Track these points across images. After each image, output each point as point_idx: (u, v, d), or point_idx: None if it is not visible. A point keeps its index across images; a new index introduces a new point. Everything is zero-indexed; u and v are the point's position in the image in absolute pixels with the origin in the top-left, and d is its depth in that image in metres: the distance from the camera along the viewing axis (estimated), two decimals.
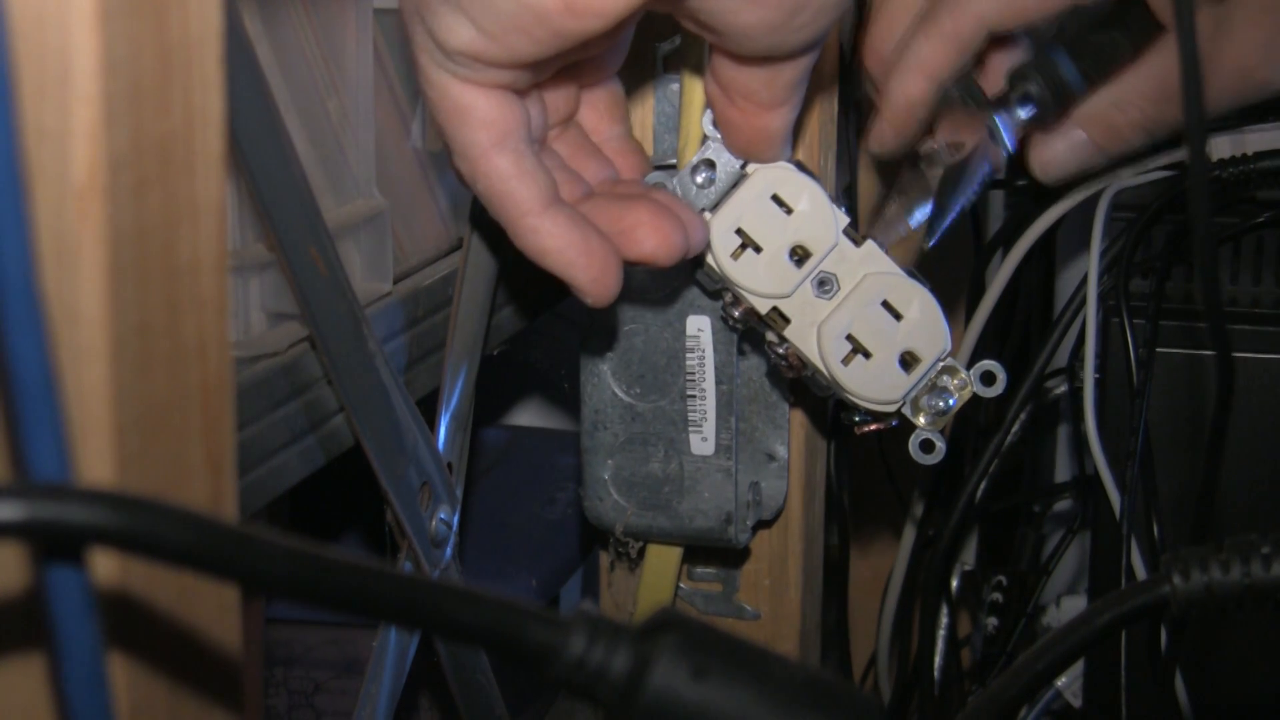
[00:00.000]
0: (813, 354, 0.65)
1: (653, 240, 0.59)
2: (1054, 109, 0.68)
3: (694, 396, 0.73)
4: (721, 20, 0.55)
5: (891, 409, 0.65)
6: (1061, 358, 0.82)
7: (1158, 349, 0.76)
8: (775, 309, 0.65)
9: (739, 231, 0.64)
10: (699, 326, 0.72)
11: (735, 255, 0.64)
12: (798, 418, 0.75)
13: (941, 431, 0.66)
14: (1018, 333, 0.89)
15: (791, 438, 0.74)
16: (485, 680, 0.73)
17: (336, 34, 0.65)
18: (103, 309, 0.37)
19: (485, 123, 0.56)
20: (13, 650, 0.38)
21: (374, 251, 0.66)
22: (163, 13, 0.38)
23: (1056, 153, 0.70)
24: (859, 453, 0.99)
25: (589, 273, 0.58)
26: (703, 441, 0.73)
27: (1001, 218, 0.97)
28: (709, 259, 0.65)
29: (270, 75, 0.58)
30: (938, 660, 0.86)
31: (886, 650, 0.92)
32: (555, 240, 0.58)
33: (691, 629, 0.38)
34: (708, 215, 0.64)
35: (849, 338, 0.64)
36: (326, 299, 0.59)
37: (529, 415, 1.24)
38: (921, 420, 0.65)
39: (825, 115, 0.73)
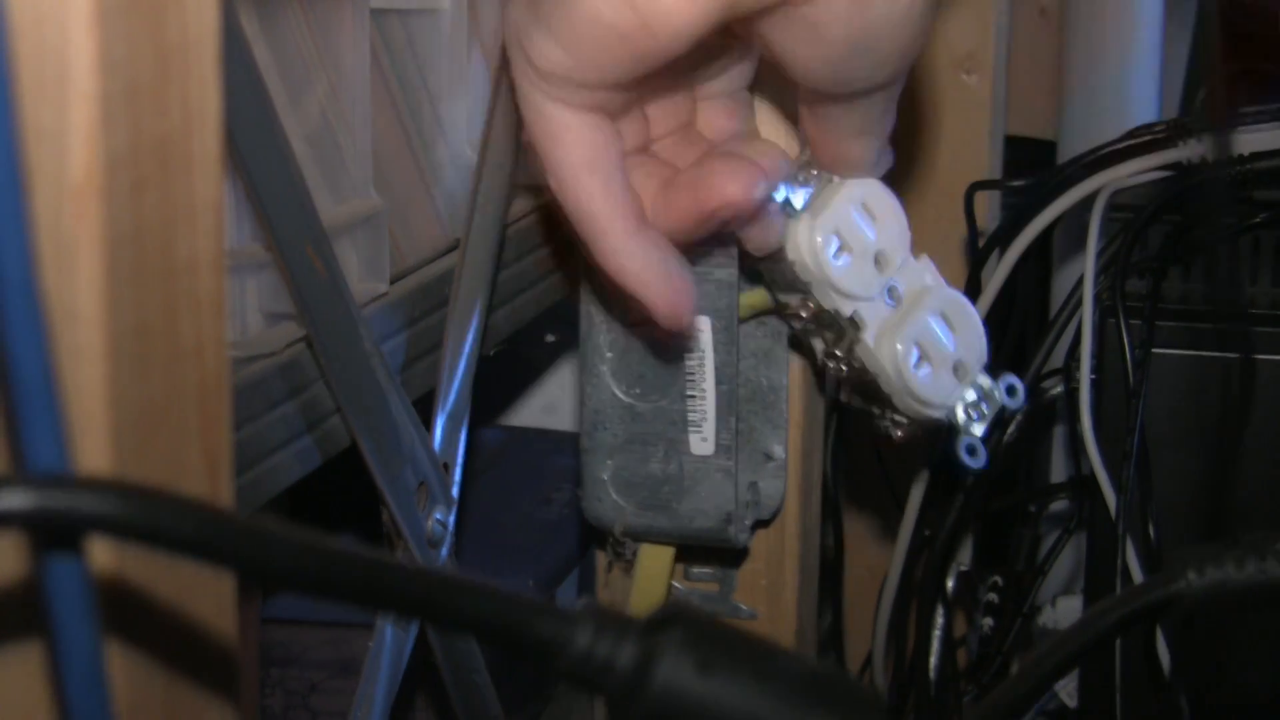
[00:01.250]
0: (885, 359, 0.66)
1: (732, 185, 0.60)
2: None
3: (694, 396, 0.73)
4: (787, 53, 0.56)
5: (942, 414, 0.67)
6: (1058, 358, 0.82)
7: (1154, 349, 0.76)
8: (856, 312, 0.66)
9: (837, 233, 0.65)
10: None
11: (836, 256, 0.66)
12: (794, 418, 0.75)
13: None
14: (1014, 333, 0.89)
15: (788, 437, 0.74)
16: (481, 680, 0.73)
17: (333, 34, 0.65)
18: (100, 309, 0.37)
19: (577, 144, 0.58)
20: (10, 641, 0.38)
21: (371, 251, 0.66)
22: (160, 13, 0.38)
23: None
24: (855, 453, 0.99)
25: (665, 298, 0.60)
26: (703, 441, 0.73)
27: (998, 218, 0.97)
28: (804, 256, 0.66)
29: (267, 75, 0.58)
30: (933, 660, 0.86)
31: (882, 650, 0.92)
32: (635, 263, 0.60)
33: (697, 623, 0.38)
34: (807, 217, 0.65)
35: (917, 345, 0.66)
36: (323, 299, 0.59)
37: (525, 416, 1.24)
38: (971, 428, 0.68)
39: None
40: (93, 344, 0.37)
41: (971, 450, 0.68)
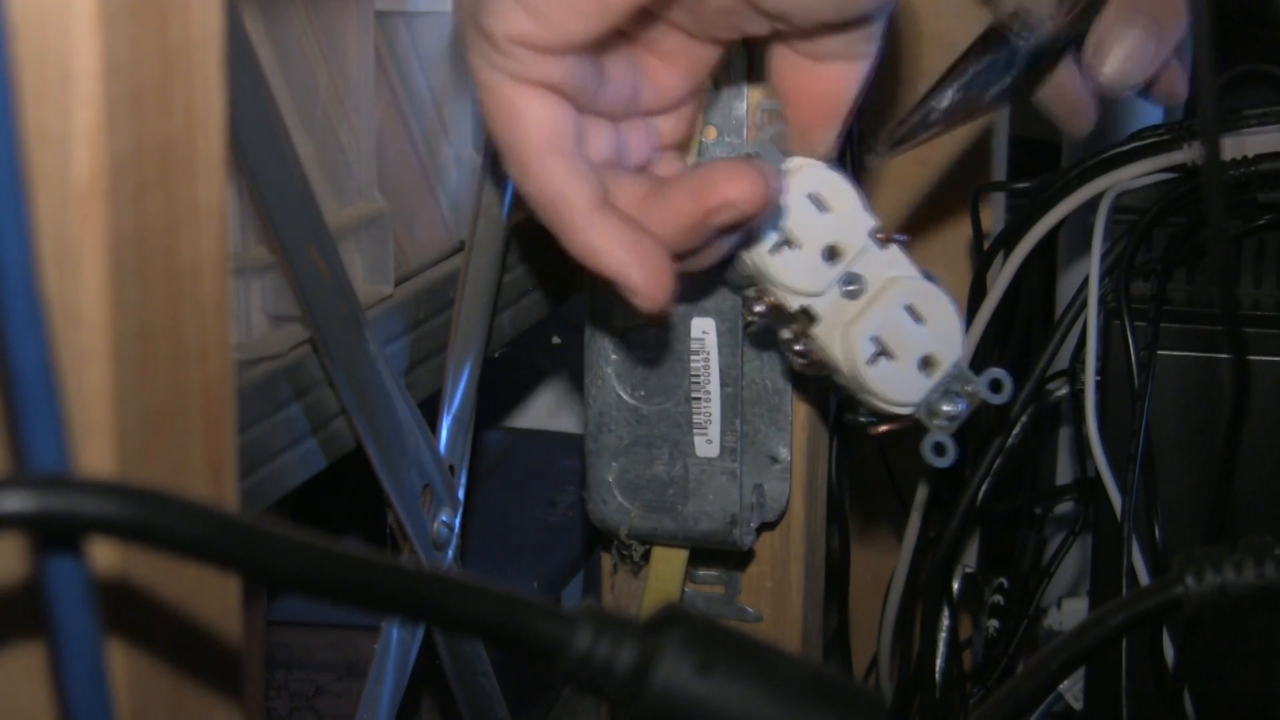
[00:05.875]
0: (838, 354, 0.65)
1: (735, 186, 0.58)
2: None
3: (699, 399, 0.72)
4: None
5: (908, 411, 0.65)
6: (1063, 360, 0.82)
7: (1159, 351, 0.76)
8: (804, 307, 0.65)
9: (779, 228, 0.64)
10: (704, 329, 0.72)
11: (774, 251, 0.65)
12: (800, 420, 0.75)
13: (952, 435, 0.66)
14: (1019, 335, 0.89)
15: (793, 440, 0.74)
16: (487, 682, 0.73)
17: (338, 37, 0.65)
18: (104, 311, 0.37)
19: (536, 122, 0.57)
20: (12, 642, 0.38)
21: (375, 254, 0.67)
22: (164, 15, 0.38)
23: (1118, 58, 0.69)
24: (860, 455, 0.99)
25: (642, 271, 0.57)
26: (707, 444, 0.73)
27: (1003, 220, 0.97)
28: (745, 254, 0.65)
29: (271, 78, 0.58)
30: (939, 662, 0.86)
31: (888, 652, 0.92)
32: (605, 239, 0.57)
33: (697, 624, 0.38)
34: None
35: (875, 339, 0.65)
36: (328, 301, 0.59)
37: (530, 418, 1.24)
38: (936, 423, 0.65)
39: None
40: (97, 346, 0.37)
41: (939, 449, 0.65)
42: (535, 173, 0.57)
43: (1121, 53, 0.68)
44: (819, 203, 0.65)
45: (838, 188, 0.65)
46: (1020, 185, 0.86)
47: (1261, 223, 0.78)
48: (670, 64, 0.62)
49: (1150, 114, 0.94)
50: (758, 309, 0.66)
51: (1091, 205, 0.78)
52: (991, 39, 0.68)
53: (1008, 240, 0.84)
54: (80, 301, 0.36)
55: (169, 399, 0.39)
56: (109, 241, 0.37)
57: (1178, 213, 0.78)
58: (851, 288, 0.65)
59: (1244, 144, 0.77)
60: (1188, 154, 0.79)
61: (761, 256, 0.65)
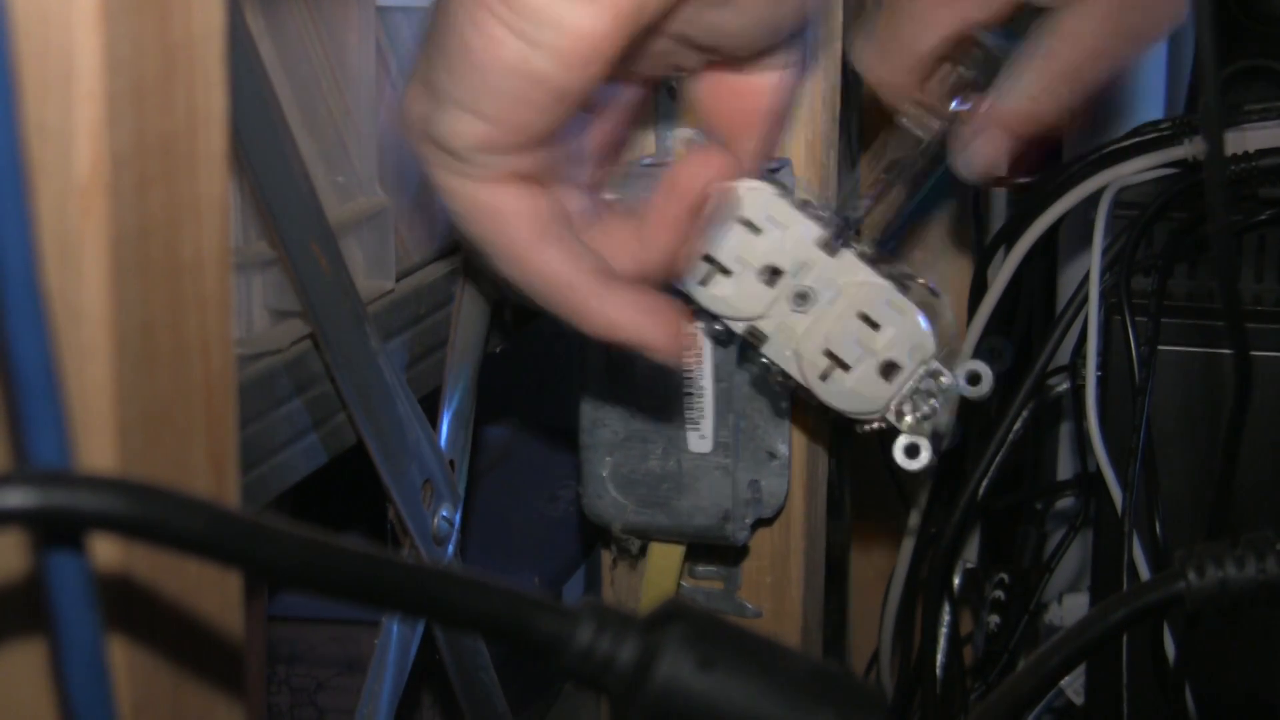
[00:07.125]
0: (792, 370, 0.64)
1: (705, 169, 0.58)
2: (988, 79, 0.66)
3: (691, 394, 0.72)
4: (715, 29, 0.55)
5: (874, 418, 0.65)
6: (1063, 355, 0.82)
7: (1159, 346, 0.76)
8: (751, 328, 0.64)
9: (707, 258, 0.63)
10: (696, 324, 0.72)
11: (704, 281, 0.64)
12: (799, 416, 0.75)
13: (936, 433, 0.65)
14: (1020, 331, 0.89)
15: (793, 435, 0.74)
16: (488, 678, 0.73)
17: (339, 31, 0.65)
18: (105, 307, 0.37)
19: (519, 216, 0.55)
20: (14, 638, 0.38)
21: (376, 249, 0.66)
22: (166, 11, 0.38)
23: (976, 150, 0.66)
24: (861, 450, 0.99)
25: (659, 332, 0.58)
26: (701, 439, 0.73)
27: (1004, 216, 0.97)
28: (680, 285, 0.65)
29: (273, 73, 0.58)
30: (940, 658, 0.86)
31: (889, 648, 0.92)
32: (619, 311, 0.57)
33: (698, 620, 0.38)
34: None
35: (826, 353, 0.64)
36: (329, 297, 0.59)
37: (531, 413, 1.24)
38: (905, 424, 0.64)
39: (828, 115, 0.73)
40: (98, 342, 0.37)
41: (910, 451, 0.64)
42: (534, 266, 0.56)
43: (982, 154, 0.66)
44: (750, 225, 0.64)
45: (770, 205, 0.63)
46: (1021, 181, 0.86)
47: (1263, 218, 0.78)
48: (606, 117, 0.61)
49: (1151, 109, 0.94)
50: (717, 328, 0.66)
51: (1092, 201, 0.78)
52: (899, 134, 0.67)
53: (1009, 236, 0.84)
54: (81, 297, 0.36)
55: (170, 394, 0.39)
56: (110, 237, 0.37)
57: (1179, 208, 0.78)
58: (800, 301, 0.64)
59: (1245, 139, 0.77)
60: (1188, 149, 0.79)
61: (693, 289, 0.64)
